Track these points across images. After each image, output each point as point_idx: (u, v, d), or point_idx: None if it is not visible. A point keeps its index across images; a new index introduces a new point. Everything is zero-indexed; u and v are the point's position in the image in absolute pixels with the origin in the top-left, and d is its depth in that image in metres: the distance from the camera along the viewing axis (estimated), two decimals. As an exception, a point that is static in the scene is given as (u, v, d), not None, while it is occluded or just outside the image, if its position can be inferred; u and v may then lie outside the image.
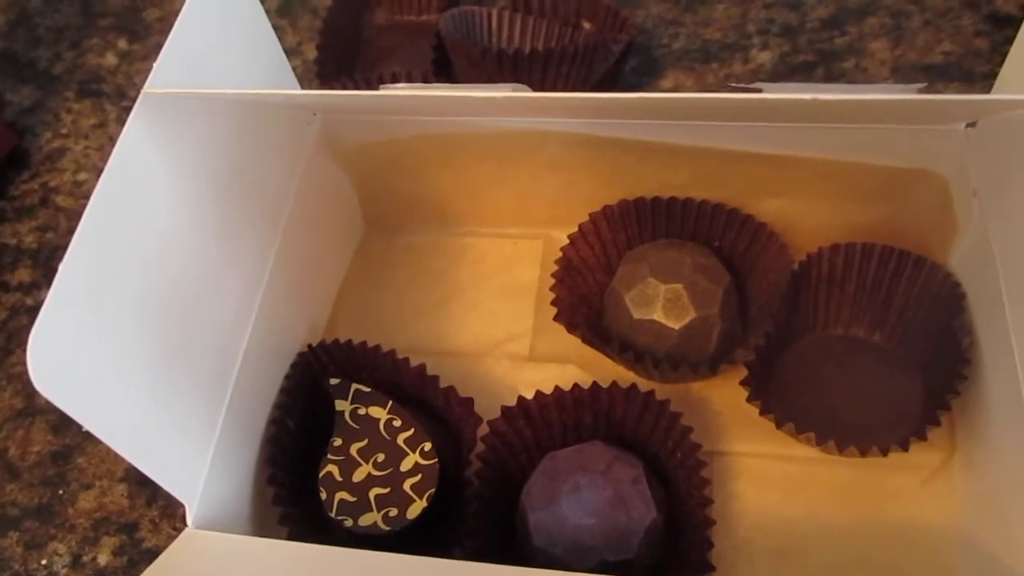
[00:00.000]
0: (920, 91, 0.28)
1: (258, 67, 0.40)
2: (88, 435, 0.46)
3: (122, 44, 0.66)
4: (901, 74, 0.53)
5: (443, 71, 0.53)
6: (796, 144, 0.41)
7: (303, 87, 0.59)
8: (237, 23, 0.38)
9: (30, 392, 0.49)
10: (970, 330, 0.39)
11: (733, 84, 0.53)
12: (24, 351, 0.28)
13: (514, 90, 0.30)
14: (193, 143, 0.35)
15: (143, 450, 0.32)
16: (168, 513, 0.44)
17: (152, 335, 0.33)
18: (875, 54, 0.54)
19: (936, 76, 0.52)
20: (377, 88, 0.34)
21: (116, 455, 0.45)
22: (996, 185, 0.37)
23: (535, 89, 0.43)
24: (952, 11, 0.55)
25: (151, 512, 0.44)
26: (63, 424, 0.48)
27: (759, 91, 0.27)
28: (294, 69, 0.60)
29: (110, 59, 0.65)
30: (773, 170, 0.42)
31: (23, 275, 0.55)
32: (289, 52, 0.61)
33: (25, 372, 0.27)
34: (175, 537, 0.34)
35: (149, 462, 0.33)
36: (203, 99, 0.35)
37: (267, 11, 0.63)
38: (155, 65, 0.33)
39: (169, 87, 0.33)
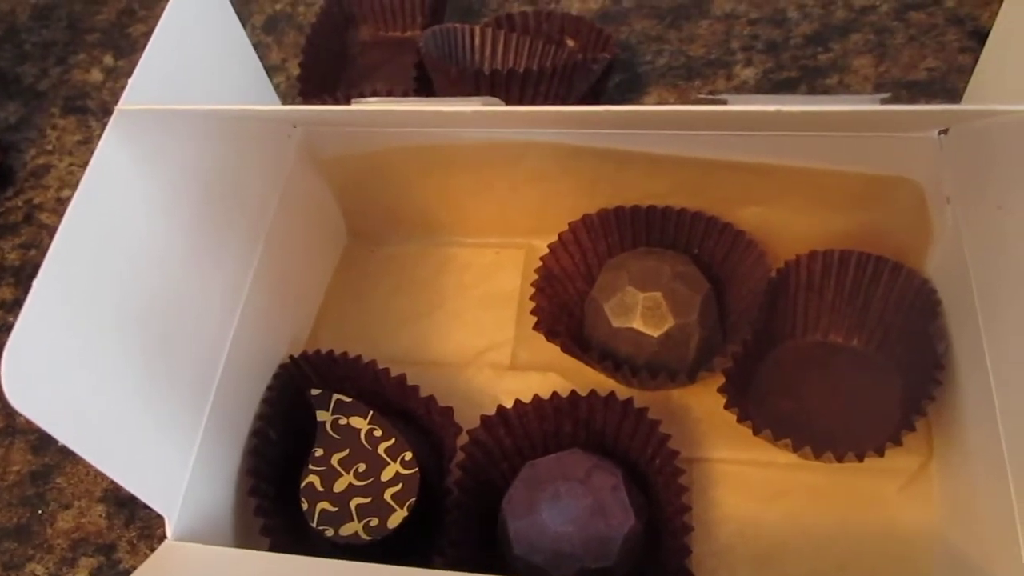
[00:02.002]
0: (883, 101, 0.28)
1: (236, 81, 0.40)
2: (68, 455, 0.47)
3: (108, 60, 0.66)
4: (884, 90, 0.53)
5: (425, 88, 0.53)
6: (774, 153, 0.41)
7: (286, 103, 0.59)
8: (214, 37, 0.38)
9: (10, 411, 0.49)
10: (945, 336, 0.39)
11: (699, 96, 0.54)
12: (4, 371, 0.28)
13: (484, 104, 0.31)
14: (170, 157, 0.36)
15: (122, 463, 0.32)
16: (146, 534, 0.44)
17: (131, 348, 0.33)
18: (859, 70, 0.54)
19: (920, 92, 0.53)
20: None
21: (95, 475, 0.46)
22: (968, 192, 0.38)
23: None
24: (936, 27, 0.55)
25: (129, 533, 0.44)
26: (43, 444, 0.48)
27: (724, 103, 0.27)
28: (278, 86, 0.61)
29: (96, 75, 0.65)
30: (752, 178, 0.43)
31: (5, 293, 0.55)
32: (274, 69, 0.62)
33: (3, 391, 0.27)
34: (154, 559, 0.34)
35: (128, 475, 0.33)
36: (179, 114, 0.35)
37: (253, 27, 0.65)
38: (130, 82, 0.33)
39: (145, 103, 0.33)
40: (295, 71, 0.58)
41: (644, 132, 0.42)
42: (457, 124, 0.39)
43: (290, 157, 0.44)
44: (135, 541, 0.44)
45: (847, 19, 0.57)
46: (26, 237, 0.57)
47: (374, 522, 0.38)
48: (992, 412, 0.34)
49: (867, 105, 0.26)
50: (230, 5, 0.39)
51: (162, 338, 0.35)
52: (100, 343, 0.32)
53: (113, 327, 0.32)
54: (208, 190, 0.38)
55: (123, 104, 0.33)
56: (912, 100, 0.52)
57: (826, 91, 0.54)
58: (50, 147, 0.61)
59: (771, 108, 0.27)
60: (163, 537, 0.35)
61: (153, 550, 0.35)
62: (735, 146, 0.41)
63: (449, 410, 0.41)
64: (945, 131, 0.39)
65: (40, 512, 0.46)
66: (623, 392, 0.40)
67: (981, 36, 0.53)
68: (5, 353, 0.28)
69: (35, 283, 0.29)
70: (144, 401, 0.34)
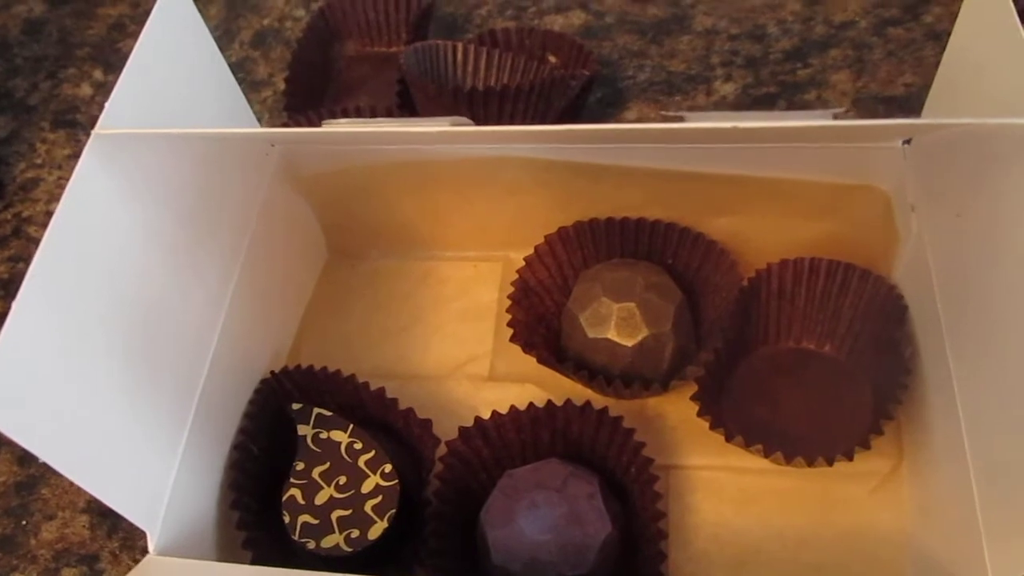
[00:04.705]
0: (836, 116, 0.29)
1: (213, 101, 0.41)
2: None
3: (98, 75, 0.67)
4: (862, 105, 0.53)
5: (408, 104, 0.54)
6: (744, 164, 0.42)
7: (272, 118, 0.60)
8: (190, 58, 0.39)
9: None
10: (912, 341, 0.40)
11: (663, 113, 0.54)
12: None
13: (453, 124, 0.31)
14: (149, 177, 0.36)
15: (103, 478, 0.33)
16: (128, 545, 0.45)
17: (113, 364, 0.34)
18: (837, 86, 0.55)
19: (897, 108, 0.53)
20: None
21: (79, 487, 0.46)
22: (930, 200, 0.39)
23: (491, 125, 0.43)
24: (915, 43, 0.55)
25: (111, 544, 0.45)
26: (28, 455, 0.47)
27: (682, 119, 0.28)
28: (265, 100, 0.62)
29: (85, 90, 0.66)
30: (723, 189, 0.43)
31: (-6, 306, 0.55)
32: (261, 84, 0.63)
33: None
34: (136, 570, 0.35)
35: (109, 491, 0.33)
36: (155, 136, 0.36)
37: (241, 42, 0.65)
38: (107, 105, 0.34)
39: (122, 126, 0.34)
40: (282, 86, 0.59)
41: (617, 146, 0.43)
42: (426, 143, 0.40)
43: (268, 175, 0.45)
44: (117, 551, 0.45)
45: (826, 35, 0.57)
46: (15, 250, 0.58)
47: (355, 534, 0.39)
48: (956, 415, 0.35)
49: (819, 121, 0.27)
50: (205, 26, 0.40)
51: (143, 354, 0.36)
52: (81, 359, 0.32)
53: (94, 343, 0.33)
54: (188, 208, 0.39)
55: (100, 128, 0.33)
56: (889, 115, 0.53)
57: (804, 106, 0.54)
58: (39, 161, 0.62)
59: (727, 125, 0.28)
60: (146, 547, 0.35)
61: (136, 560, 0.36)
62: (706, 158, 0.42)
63: (428, 422, 0.42)
64: (909, 141, 0.39)
65: (24, 523, 0.46)
66: (599, 401, 0.41)
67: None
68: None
69: (15, 302, 0.30)
70: (126, 416, 0.35)
